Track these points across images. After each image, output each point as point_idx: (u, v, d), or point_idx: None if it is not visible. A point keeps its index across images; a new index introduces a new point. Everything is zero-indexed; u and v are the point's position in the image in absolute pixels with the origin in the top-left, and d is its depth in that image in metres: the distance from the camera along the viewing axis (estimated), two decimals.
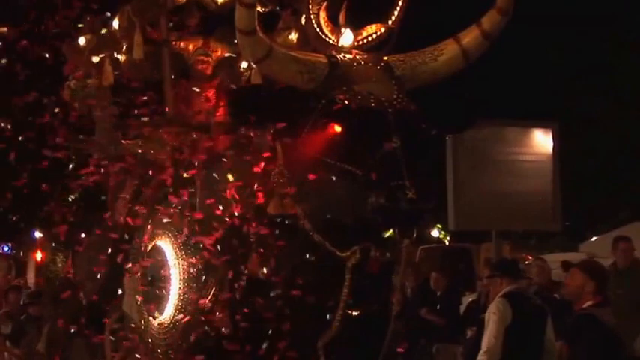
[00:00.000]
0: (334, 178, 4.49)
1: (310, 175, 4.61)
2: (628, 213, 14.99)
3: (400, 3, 4.90)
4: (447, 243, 21.94)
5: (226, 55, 6.57)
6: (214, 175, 5.38)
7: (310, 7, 4.85)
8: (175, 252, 5.46)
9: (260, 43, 4.57)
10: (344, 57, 4.73)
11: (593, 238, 14.96)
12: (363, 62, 4.72)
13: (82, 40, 6.43)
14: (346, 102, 4.54)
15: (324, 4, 4.86)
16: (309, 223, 4.72)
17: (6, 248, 19.55)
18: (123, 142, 6.38)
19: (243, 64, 6.68)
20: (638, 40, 17.96)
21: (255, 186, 4.96)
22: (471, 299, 11.61)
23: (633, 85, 18.25)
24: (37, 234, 16.46)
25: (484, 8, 4.97)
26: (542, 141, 11.48)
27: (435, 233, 22.58)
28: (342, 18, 4.85)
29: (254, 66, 4.67)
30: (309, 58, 4.72)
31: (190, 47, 6.55)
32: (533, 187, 11.25)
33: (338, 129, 4.55)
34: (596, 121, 18.76)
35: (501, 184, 11.03)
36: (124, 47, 6.17)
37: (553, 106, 16.88)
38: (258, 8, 5.99)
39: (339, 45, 4.81)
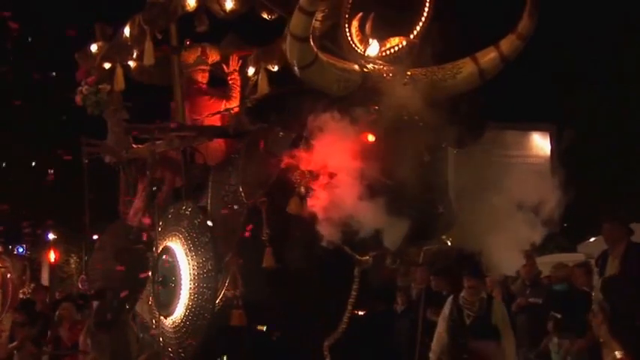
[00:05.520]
0: (362, 185, 4.54)
1: (335, 179, 4.66)
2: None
3: (423, 19, 4.98)
4: (449, 244, 21.90)
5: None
6: (226, 175, 5.53)
7: (346, 15, 4.87)
8: (185, 252, 5.58)
9: (309, 50, 4.57)
10: (373, 68, 4.82)
11: (592, 239, 15.00)
12: (391, 74, 4.81)
13: (93, 47, 6.61)
14: (381, 113, 4.62)
15: (359, 14, 4.91)
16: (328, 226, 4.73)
17: (20, 250, 19.56)
18: (134, 145, 6.54)
19: (250, 70, 6.82)
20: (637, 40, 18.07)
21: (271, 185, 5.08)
22: None
23: (633, 86, 18.35)
24: (51, 235, 16.51)
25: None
26: (540, 144, 11.62)
27: None
28: (368, 28, 4.93)
29: (296, 71, 4.68)
30: (345, 66, 4.78)
31: (190, 59, 6.67)
32: None
33: (371, 138, 4.61)
34: (594, 123, 18.86)
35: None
36: (135, 54, 6.31)
37: (551, 109, 16.96)
38: (266, 15, 6.17)
39: (366, 54, 4.89)
